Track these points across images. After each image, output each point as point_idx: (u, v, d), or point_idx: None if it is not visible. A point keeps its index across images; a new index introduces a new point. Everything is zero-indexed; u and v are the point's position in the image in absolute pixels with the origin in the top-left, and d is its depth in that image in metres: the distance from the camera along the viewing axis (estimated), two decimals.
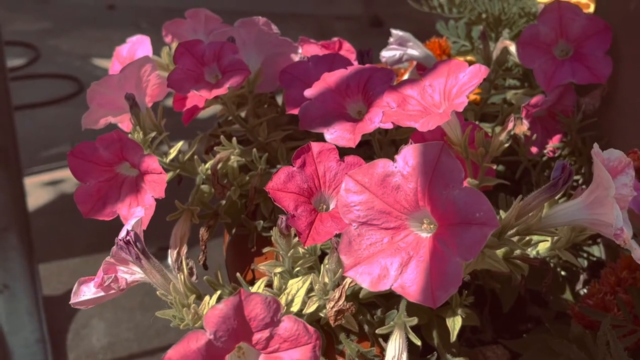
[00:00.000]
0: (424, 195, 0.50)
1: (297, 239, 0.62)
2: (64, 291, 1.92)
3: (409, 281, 0.49)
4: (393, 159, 0.52)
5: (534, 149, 0.84)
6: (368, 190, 0.52)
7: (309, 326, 0.52)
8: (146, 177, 0.69)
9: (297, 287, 0.62)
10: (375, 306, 0.65)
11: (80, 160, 0.70)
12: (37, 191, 2.36)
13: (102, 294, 0.62)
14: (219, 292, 0.61)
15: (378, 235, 0.52)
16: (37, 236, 1.67)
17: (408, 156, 0.51)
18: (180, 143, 0.77)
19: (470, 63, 0.65)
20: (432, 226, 0.51)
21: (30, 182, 2.32)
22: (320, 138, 0.68)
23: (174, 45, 0.88)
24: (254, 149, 0.77)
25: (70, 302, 0.62)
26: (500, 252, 0.61)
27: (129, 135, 0.74)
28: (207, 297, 0.60)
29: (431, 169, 0.50)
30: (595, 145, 0.53)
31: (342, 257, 0.51)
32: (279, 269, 0.64)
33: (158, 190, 0.68)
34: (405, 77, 0.98)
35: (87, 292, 0.63)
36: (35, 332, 1.62)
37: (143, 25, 3.83)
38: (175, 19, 0.90)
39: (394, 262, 0.50)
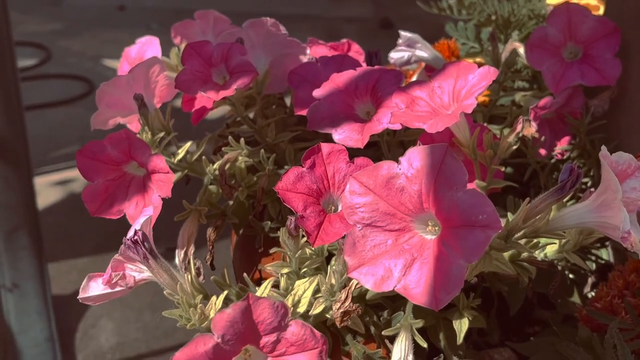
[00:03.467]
0: (428, 197, 0.50)
1: (304, 239, 0.62)
2: (73, 290, 1.92)
3: (412, 283, 0.49)
4: (399, 161, 0.52)
5: (542, 151, 0.84)
6: (372, 192, 0.52)
7: (315, 331, 0.52)
8: (153, 177, 0.70)
9: (303, 288, 0.62)
10: (381, 308, 0.65)
11: (89, 159, 0.70)
12: (47, 191, 2.37)
13: (110, 290, 0.63)
14: (225, 293, 0.61)
15: (382, 236, 0.52)
16: (47, 235, 1.68)
17: (412, 158, 0.51)
18: (189, 143, 0.77)
19: (479, 65, 0.64)
20: (436, 228, 0.51)
21: (40, 182, 2.33)
22: (328, 139, 0.68)
23: (183, 46, 0.89)
24: (262, 150, 0.77)
25: (78, 297, 0.63)
26: (507, 254, 0.61)
27: (138, 135, 0.75)
28: (213, 298, 0.60)
29: (435, 171, 0.50)
30: (603, 148, 0.53)
31: (346, 258, 0.51)
32: (285, 270, 0.64)
33: (165, 190, 0.68)
34: (414, 78, 0.98)
35: (95, 288, 0.63)
36: (44, 331, 1.63)
37: (153, 26, 3.84)
38: (184, 20, 0.91)
39: (398, 263, 0.50)
